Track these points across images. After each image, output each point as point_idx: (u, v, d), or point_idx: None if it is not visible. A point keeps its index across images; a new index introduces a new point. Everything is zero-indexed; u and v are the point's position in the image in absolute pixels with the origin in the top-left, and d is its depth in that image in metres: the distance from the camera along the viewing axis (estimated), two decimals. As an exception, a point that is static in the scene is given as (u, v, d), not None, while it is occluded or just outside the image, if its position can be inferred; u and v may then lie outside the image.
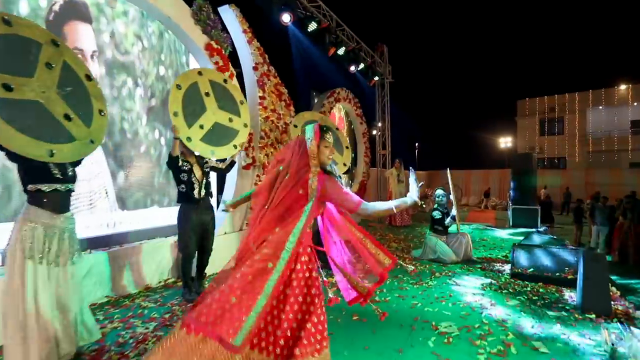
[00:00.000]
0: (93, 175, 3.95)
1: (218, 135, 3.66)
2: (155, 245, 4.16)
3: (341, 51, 7.77)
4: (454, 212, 5.29)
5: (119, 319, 3.19)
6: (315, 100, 8.81)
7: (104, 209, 4.09)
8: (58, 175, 2.29)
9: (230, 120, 3.79)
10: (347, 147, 5.93)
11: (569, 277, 4.04)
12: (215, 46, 4.95)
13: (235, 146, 3.79)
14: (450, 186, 5.62)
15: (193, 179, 3.50)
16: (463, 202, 19.12)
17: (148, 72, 4.61)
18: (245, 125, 4.02)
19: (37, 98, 2.17)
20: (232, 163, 3.89)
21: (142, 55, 4.54)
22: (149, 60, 4.62)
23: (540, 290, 3.96)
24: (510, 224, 9.18)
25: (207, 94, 3.64)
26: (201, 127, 3.54)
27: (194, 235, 3.57)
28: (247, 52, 5.74)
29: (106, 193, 4.13)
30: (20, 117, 2.08)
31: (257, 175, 5.77)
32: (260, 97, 5.93)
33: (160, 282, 4.21)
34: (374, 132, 12.75)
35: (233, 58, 5.86)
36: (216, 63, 5.00)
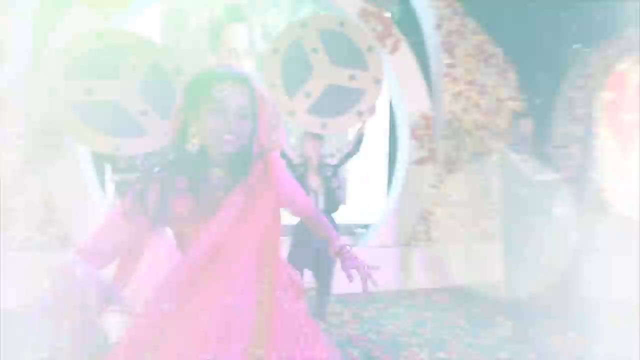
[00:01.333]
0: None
1: (332, 101, 2.66)
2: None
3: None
4: None
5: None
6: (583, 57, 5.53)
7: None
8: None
9: (352, 77, 2.68)
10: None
11: None
12: (371, 9, 3.92)
13: (360, 113, 2.68)
14: None
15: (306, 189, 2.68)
16: None
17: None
18: (378, 81, 2.77)
19: (115, 97, 2.38)
20: (360, 138, 2.76)
21: (294, 42, 4.24)
22: (301, 46, 4.27)
23: None
24: None
25: (314, 50, 2.70)
26: (307, 95, 2.67)
27: (303, 258, 2.64)
28: (424, 5, 4.21)
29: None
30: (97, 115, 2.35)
31: (439, 175, 4.12)
32: (448, 65, 4.21)
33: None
34: None
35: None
36: (373, 30, 3.94)
